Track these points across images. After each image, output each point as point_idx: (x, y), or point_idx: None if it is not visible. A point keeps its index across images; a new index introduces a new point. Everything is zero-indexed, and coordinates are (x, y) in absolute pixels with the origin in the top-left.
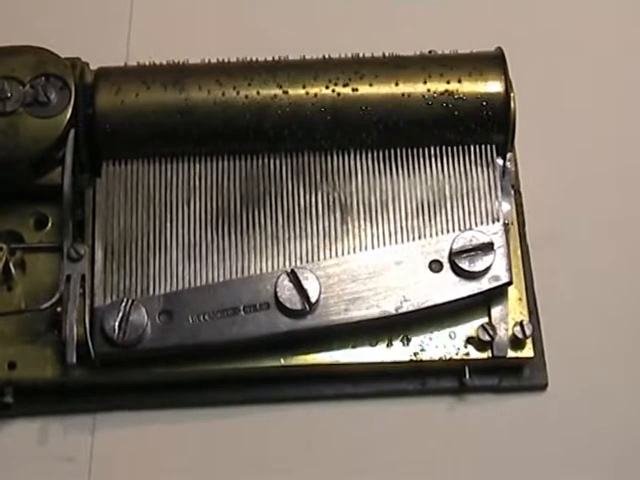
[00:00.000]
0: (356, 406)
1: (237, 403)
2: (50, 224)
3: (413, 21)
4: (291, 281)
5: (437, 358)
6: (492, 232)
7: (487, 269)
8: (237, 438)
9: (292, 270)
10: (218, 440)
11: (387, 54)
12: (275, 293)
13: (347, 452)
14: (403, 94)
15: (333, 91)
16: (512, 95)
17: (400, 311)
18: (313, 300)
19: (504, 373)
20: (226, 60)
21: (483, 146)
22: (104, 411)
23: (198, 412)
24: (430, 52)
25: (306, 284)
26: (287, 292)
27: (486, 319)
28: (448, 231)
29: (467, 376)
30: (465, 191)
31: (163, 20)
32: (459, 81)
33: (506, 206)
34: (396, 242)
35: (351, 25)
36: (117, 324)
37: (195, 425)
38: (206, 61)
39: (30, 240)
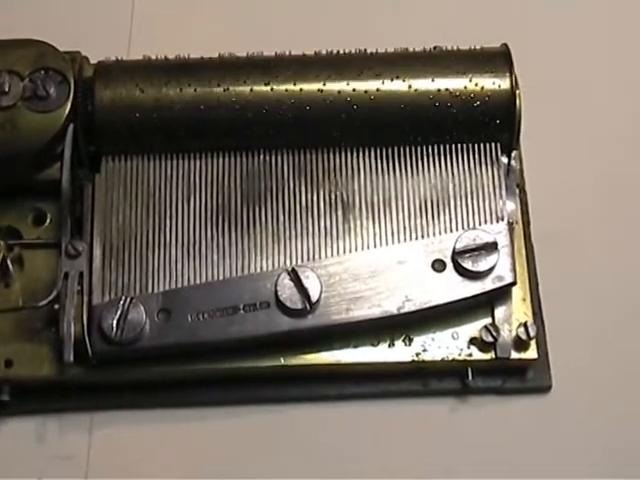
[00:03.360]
0: (357, 407)
1: (236, 403)
2: (49, 220)
3: (416, 16)
4: (292, 280)
5: (439, 359)
6: (496, 231)
7: (491, 269)
8: (236, 439)
9: (293, 269)
10: (217, 441)
11: (390, 50)
12: (275, 292)
13: (348, 453)
14: (407, 91)
15: (335, 89)
16: (518, 92)
17: (402, 311)
18: (314, 299)
19: (507, 375)
20: (228, 55)
21: (488, 144)
22: (102, 410)
23: (196, 412)
24: (435, 48)
25: (307, 283)
26: (287, 291)
27: (489, 320)
28: (451, 230)
29: (470, 377)
30: (469, 190)
31: (165, 14)
32: (464, 78)
33: (511, 205)
34: (399, 241)
35: (354, 20)
36: (115, 322)
37: (193, 425)
38: (208, 56)
39: (28, 236)
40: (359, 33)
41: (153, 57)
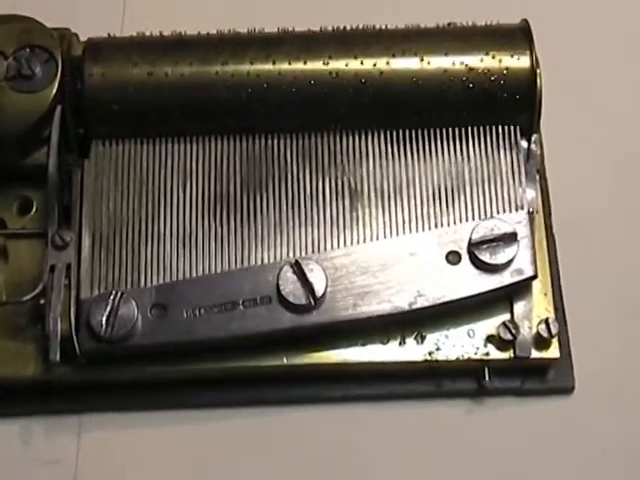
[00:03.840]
0: (365, 409)
1: (235, 405)
2: (35, 209)
3: None
4: (295, 273)
5: (454, 358)
6: (515, 221)
7: (510, 261)
8: (234, 442)
9: (296, 261)
10: (213, 444)
11: (402, 26)
12: (277, 286)
13: (355, 459)
14: (420, 66)
15: (341, 67)
16: (538, 72)
17: (414, 307)
18: (319, 294)
19: (527, 375)
20: (225, 32)
21: (506, 127)
22: (91, 412)
23: (191, 414)
24: (449, 24)
25: (311, 276)
26: (290, 285)
27: (508, 316)
28: (467, 219)
29: (487, 378)
30: (486, 176)
31: None
32: (481, 53)
33: (531, 193)
34: (410, 231)
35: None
36: (105, 318)
37: (188, 428)
38: (204, 33)
39: (13, 226)
40: (368, 8)
41: (147, 34)
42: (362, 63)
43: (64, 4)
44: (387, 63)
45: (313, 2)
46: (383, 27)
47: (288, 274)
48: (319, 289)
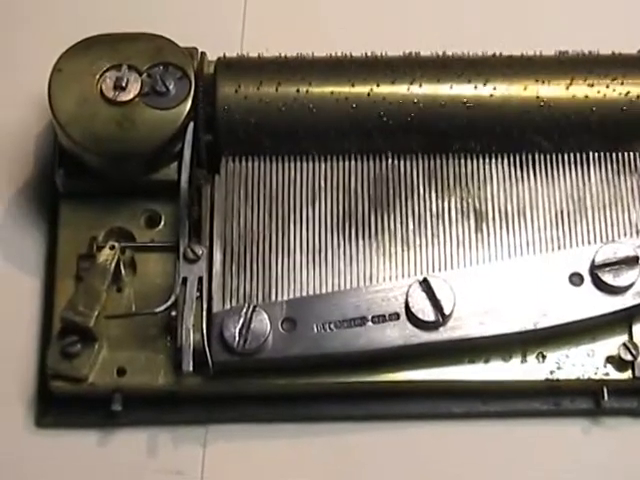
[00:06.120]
0: (486, 425)
1: (359, 419)
2: (162, 223)
3: (548, 20)
4: (424, 290)
5: (574, 377)
6: (637, 245)
7: (632, 284)
8: (357, 455)
9: (425, 279)
10: (337, 457)
11: (524, 54)
12: (406, 303)
13: (475, 474)
14: (543, 97)
15: (467, 93)
16: None
17: (539, 326)
18: (447, 312)
19: None
20: (347, 54)
21: (626, 153)
22: (217, 423)
23: (317, 427)
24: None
25: (439, 294)
26: (419, 302)
27: (626, 337)
28: (589, 242)
29: (605, 397)
30: (607, 200)
31: (277, 10)
32: (603, 85)
33: None
34: (534, 252)
35: (481, 21)
36: (238, 331)
37: (313, 440)
38: (325, 54)
39: (141, 239)
40: (483, 34)
41: (268, 55)
42: (491, 87)
43: (184, 25)
44: (510, 89)
45: (436, 26)
46: (508, 54)
47: (417, 291)
48: (447, 306)
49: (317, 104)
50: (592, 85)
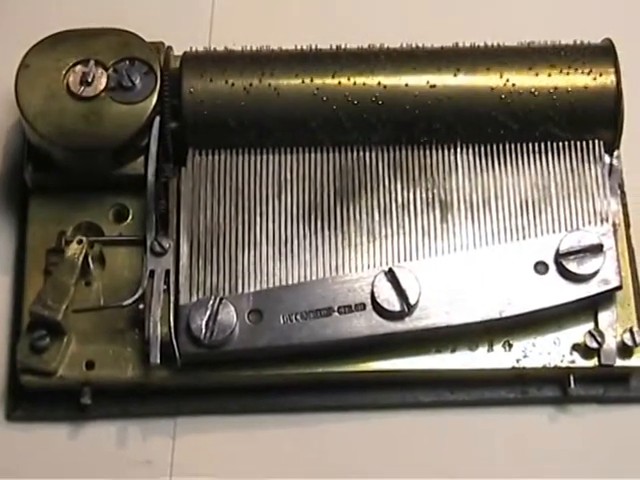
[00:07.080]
0: (453, 414)
1: (326, 409)
2: (131, 217)
3: (512, 10)
4: (389, 281)
5: (541, 365)
6: (601, 233)
7: (596, 272)
8: (324, 446)
9: (390, 269)
10: (305, 448)
11: (488, 44)
12: (372, 293)
13: (444, 462)
14: (507, 86)
15: (432, 83)
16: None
17: (504, 315)
18: (412, 301)
19: (610, 383)
20: (313, 47)
21: (590, 142)
22: (186, 415)
23: (285, 418)
24: (529, 43)
25: (405, 284)
26: (385, 292)
27: (592, 325)
28: (554, 231)
29: (571, 385)
30: (571, 189)
31: (246, 4)
32: (567, 74)
33: (614, 206)
34: (499, 242)
35: (446, 13)
36: (204, 323)
37: (281, 432)
38: (293, 48)
39: (109, 233)
40: (452, 26)
41: (236, 48)
42: (456, 77)
43: (152, 19)
44: (474, 79)
45: (394, 19)
46: (469, 45)
47: (382, 282)
48: (413, 296)
49: (283, 95)
50: (556, 74)
